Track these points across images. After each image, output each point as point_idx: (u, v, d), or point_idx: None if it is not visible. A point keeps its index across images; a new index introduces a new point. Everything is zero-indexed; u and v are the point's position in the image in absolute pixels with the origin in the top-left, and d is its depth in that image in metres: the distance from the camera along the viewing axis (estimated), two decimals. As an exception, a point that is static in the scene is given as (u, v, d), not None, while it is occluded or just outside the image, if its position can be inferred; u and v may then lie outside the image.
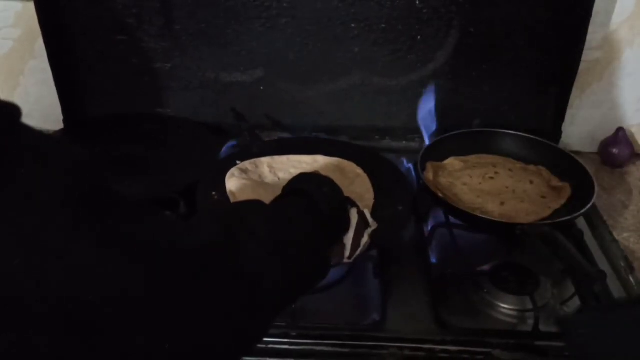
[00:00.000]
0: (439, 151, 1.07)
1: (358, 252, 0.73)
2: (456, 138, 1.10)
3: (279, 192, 0.72)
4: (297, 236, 0.62)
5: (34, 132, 0.39)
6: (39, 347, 0.36)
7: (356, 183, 0.98)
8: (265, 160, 1.04)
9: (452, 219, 0.97)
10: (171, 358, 0.42)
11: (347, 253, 0.72)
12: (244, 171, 1.00)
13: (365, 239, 0.74)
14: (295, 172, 0.96)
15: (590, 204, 0.91)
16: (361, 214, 0.74)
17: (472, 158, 1.08)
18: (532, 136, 1.09)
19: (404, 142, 1.22)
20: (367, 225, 0.75)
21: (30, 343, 0.35)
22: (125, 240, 0.41)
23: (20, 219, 0.35)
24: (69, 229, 0.37)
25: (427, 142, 1.10)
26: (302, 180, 0.73)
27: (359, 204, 0.76)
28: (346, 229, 0.72)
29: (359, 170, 1.01)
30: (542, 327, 0.80)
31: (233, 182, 0.96)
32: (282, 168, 1.02)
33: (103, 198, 0.41)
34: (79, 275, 0.37)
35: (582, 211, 0.91)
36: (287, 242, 0.59)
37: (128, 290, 0.39)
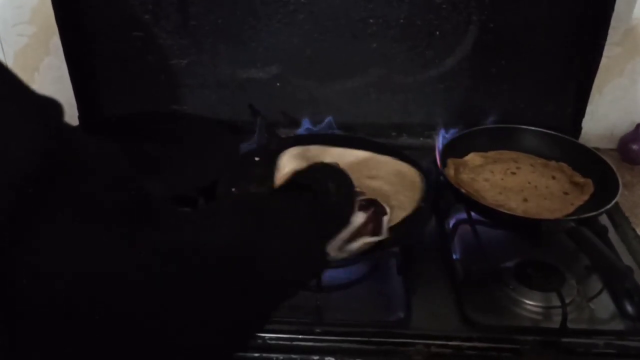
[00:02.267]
0: (459, 147, 1.06)
1: (343, 254, 0.67)
2: (476, 134, 1.09)
3: None
4: (300, 234, 0.61)
5: (75, 135, 0.39)
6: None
7: (406, 191, 0.93)
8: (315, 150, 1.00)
9: (474, 216, 0.96)
10: (172, 351, 0.43)
11: (332, 252, 0.66)
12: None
13: (356, 244, 0.68)
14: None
15: (616, 199, 0.90)
16: (377, 219, 0.71)
17: (493, 154, 1.07)
18: (552, 132, 1.08)
19: (421, 139, 1.21)
20: (375, 233, 0.70)
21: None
22: (156, 247, 0.41)
23: (60, 228, 0.35)
24: (106, 238, 0.38)
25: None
26: (310, 174, 0.71)
27: (386, 208, 0.73)
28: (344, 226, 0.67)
29: (418, 179, 0.95)
30: (570, 324, 0.79)
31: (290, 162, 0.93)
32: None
33: (139, 206, 0.42)
34: (110, 280, 0.37)
35: (607, 207, 0.90)
36: (292, 239, 0.59)
37: (151, 291, 0.40)
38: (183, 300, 0.42)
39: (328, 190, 0.67)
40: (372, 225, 0.69)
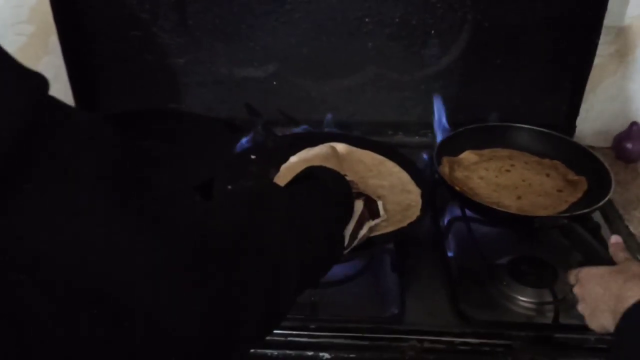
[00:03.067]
0: (454, 145, 1.07)
1: (354, 243, 0.71)
2: (471, 132, 1.09)
3: None
4: (315, 218, 0.62)
5: (65, 107, 0.38)
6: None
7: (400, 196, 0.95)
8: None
9: (468, 213, 0.97)
10: (193, 339, 0.42)
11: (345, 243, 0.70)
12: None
13: (363, 231, 0.72)
14: None
15: (608, 196, 0.91)
16: (372, 203, 0.74)
17: (487, 152, 1.08)
18: (546, 130, 1.09)
19: (417, 137, 1.22)
20: (372, 216, 0.74)
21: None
22: (155, 220, 0.41)
23: (56, 193, 0.35)
24: (103, 207, 0.37)
25: (438, 140, 1.09)
26: (311, 168, 0.73)
27: (373, 196, 0.76)
28: (349, 218, 0.71)
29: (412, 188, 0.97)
30: (562, 320, 0.80)
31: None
32: None
33: (134, 175, 0.41)
34: (107, 249, 0.37)
35: (600, 204, 0.91)
36: (307, 224, 0.59)
37: (155, 268, 0.39)
38: (172, 276, 0.40)
39: (333, 177, 0.69)
40: (368, 211, 0.72)
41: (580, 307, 0.70)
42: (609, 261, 0.74)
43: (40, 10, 1.13)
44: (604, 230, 0.99)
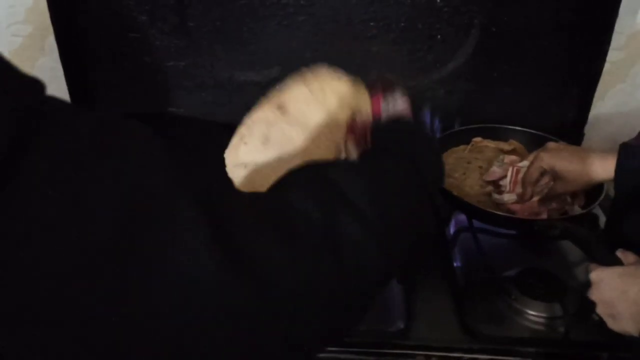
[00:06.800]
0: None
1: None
2: (469, 133, 1.09)
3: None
4: (403, 208, 0.51)
5: (67, 108, 0.37)
6: None
7: None
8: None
9: (475, 223, 0.95)
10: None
11: None
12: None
13: None
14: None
15: (601, 197, 0.91)
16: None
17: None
18: (536, 132, 1.08)
19: (421, 144, 1.20)
20: None
21: None
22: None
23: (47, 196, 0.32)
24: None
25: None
26: (395, 134, 0.61)
27: None
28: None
29: None
30: (573, 335, 0.78)
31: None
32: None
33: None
34: None
35: (596, 203, 0.91)
36: (394, 219, 0.48)
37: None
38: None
39: (424, 155, 0.59)
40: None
41: (599, 311, 0.70)
42: (616, 261, 0.72)
43: (37, 10, 1.10)
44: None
